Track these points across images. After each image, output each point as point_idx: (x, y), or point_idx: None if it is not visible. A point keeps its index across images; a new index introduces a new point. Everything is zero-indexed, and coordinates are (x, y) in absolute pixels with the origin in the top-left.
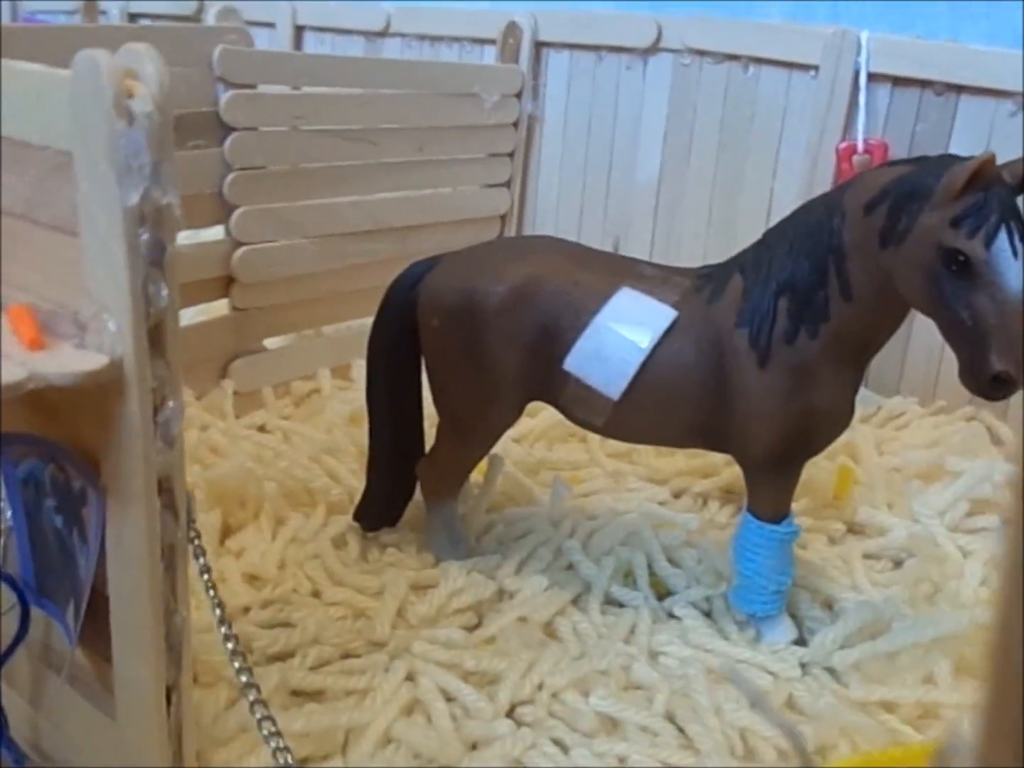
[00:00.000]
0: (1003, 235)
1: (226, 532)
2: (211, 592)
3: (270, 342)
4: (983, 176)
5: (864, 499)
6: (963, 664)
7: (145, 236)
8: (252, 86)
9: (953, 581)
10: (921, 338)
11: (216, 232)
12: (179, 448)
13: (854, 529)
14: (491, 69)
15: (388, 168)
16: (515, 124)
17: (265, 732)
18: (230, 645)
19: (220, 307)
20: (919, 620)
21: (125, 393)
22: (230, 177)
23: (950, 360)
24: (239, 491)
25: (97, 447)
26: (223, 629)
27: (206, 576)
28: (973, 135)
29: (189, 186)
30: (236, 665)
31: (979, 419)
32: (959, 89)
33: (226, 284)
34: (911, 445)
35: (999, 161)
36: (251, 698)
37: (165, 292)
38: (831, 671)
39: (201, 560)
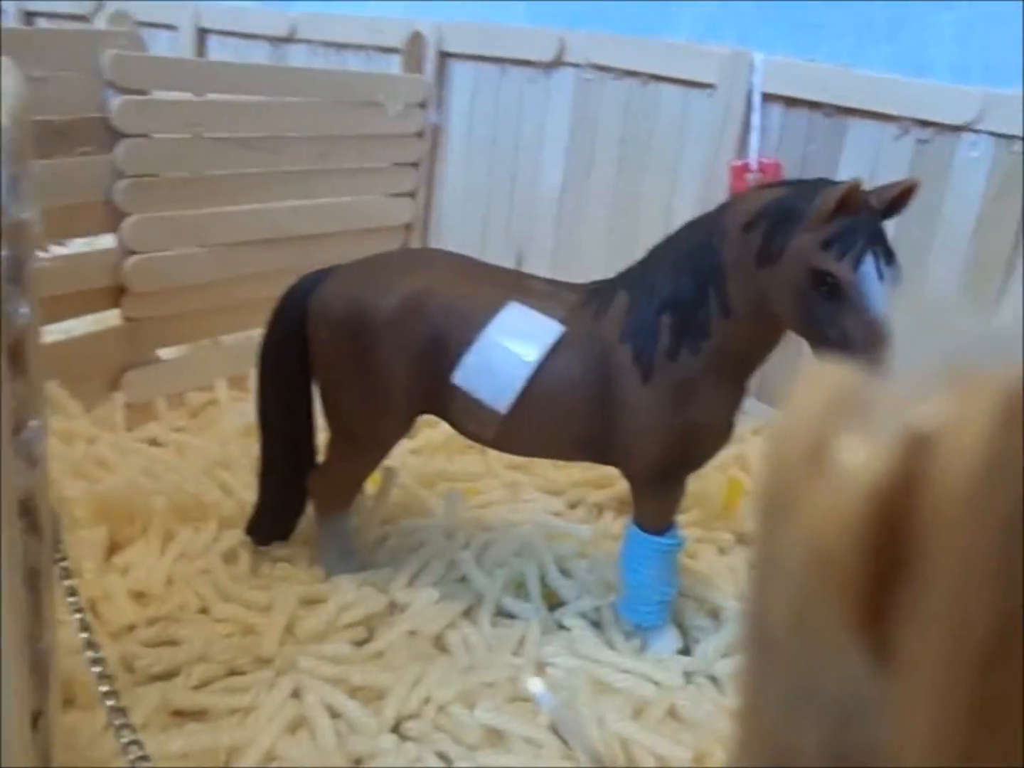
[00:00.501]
0: (869, 258)
1: (113, 548)
2: (79, 615)
3: (164, 352)
4: (851, 202)
5: (753, 510)
6: None
7: (3, 253)
8: (145, 92)
9: None
10: (808, 351)
11: (106, 241)
12: (42, 468)
13: (743, 539)
14: (395, 78)
15: (289, 177)
16: (419, 134)
17: (131, 757)
18: (97, 669)
19: (111, 317)
20: None
21: None
22: (121, 184)
23: None
24: (127, 506)
25: None
26: (89, 653)
27: (72, 598)
28: (861, 156)
29: (76, 193)
30: (104, 689)
31: None
32: (848, 112)
33: (117, 294)
34: None
35: (881, 182)
36: (117, 723)
37: (24, 310)
38: (714, 680)
39: (66, 583)
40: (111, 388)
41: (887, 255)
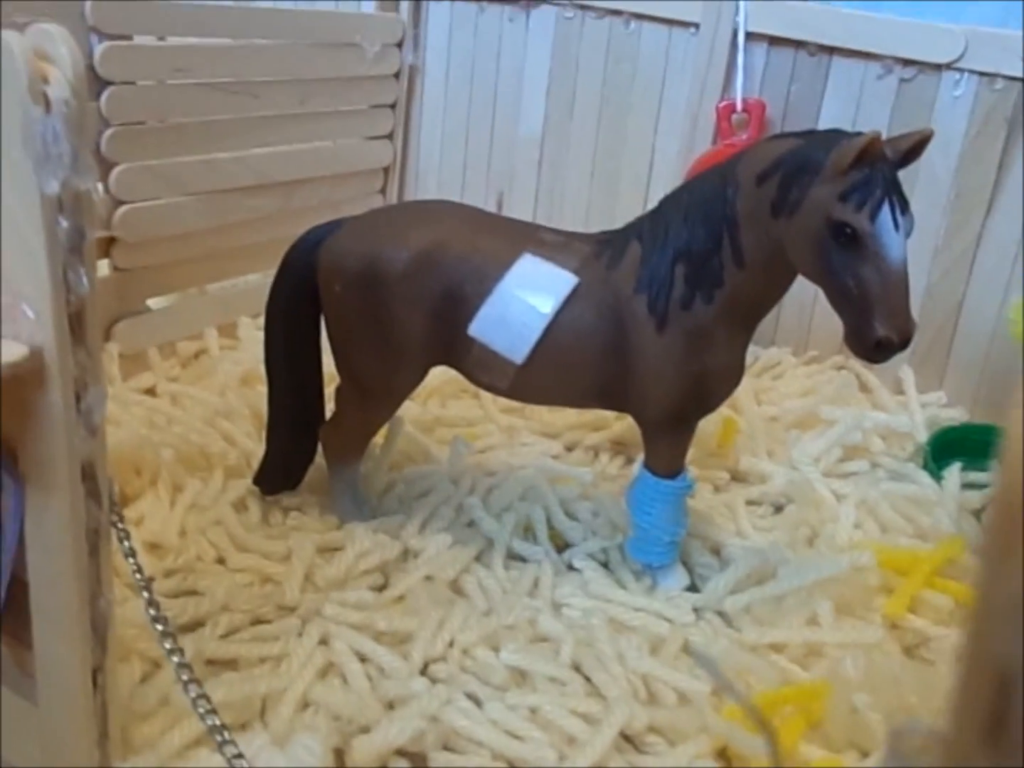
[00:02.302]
0: (886, 209)
1: (123, 501)
2: (139, 576)
3: (154, 302)
4: (869, 153)
5: (746, 448)
6: (842, 604)
7: (64, 224)
8: (128, 37)
9: (829, 524)
10: (794, 292)
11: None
12: (101, 435)
13: (737, 477)
14: (371, 18)
15: (269, 121)
16: (396, 75)
17: (192, 695)
18: (159, 627)
19: (100, 268)
20: (802, 564)
21: (46, 383)
22: (107, 133)
23: (821, 313)
24: (134, 459)
25: (15, 436)
26: (151, 611)
27: (132, 560)
28: (844, 95)
29: None
30: (167, 646)
31: (848, 368)
32: (831, 50)
33: (106, 244)
34: (787, 394)
35: (864, 121)
36: (184, 678)
37: (86, 279)
38: (723, 615)
39: (126, 543)
40: (104, 339)
41: (903, 205)
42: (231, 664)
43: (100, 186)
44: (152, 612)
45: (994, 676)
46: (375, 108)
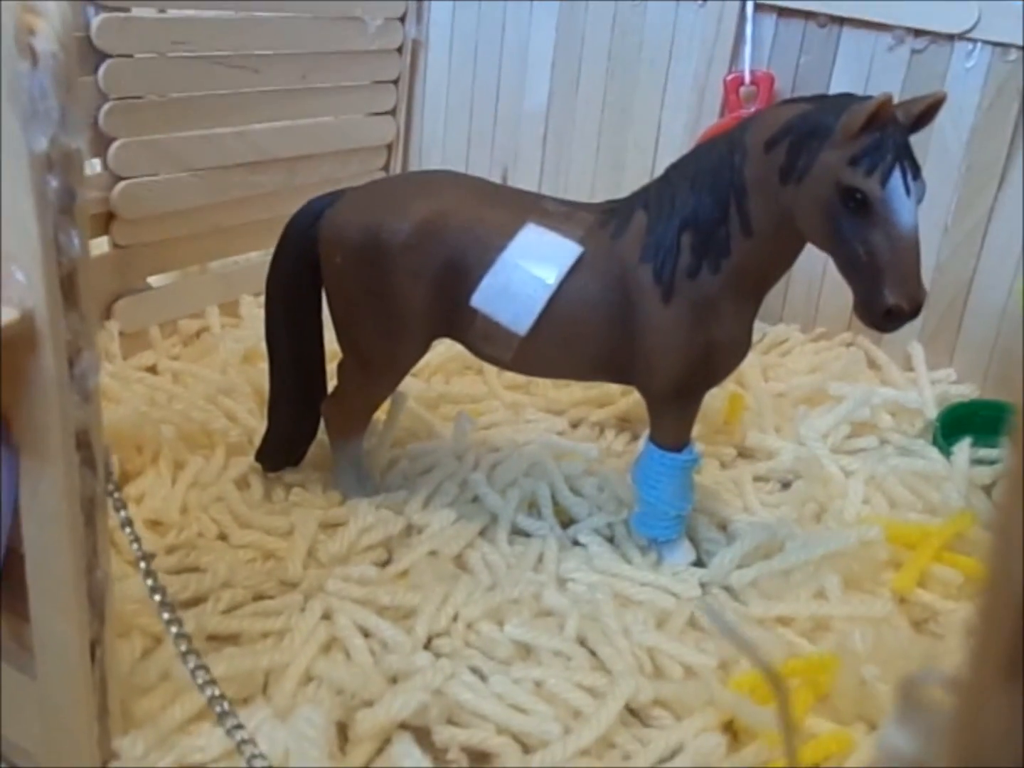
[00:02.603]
0: (897, 174)
1: (124, 479)
2: (136, 546)
3: (154, 280)
4: (880, 117)
5: (753, 424)
6: (850, 578)
7: (54, 183)
8: (125, 9)
9: (837, 500)
10: (802, 268)
11: (92, 166)
12: (96, 401)
13: (744, 453)
14: None
15: (270, 96)
16: (399, 50)
17: (200, 681)
18: (157, 598)
19: (100, 245)
20: (809, 539)
21: (38, 347)
22: (106, 107)
23: (830, 288)
24: (135, 436)
25: (8, 403)
26: (148, 582)
27: (128, 529)
28: (854, 67)
29: None
30: (166, 617)
31: (856, 344)
32: (841, 21)
33: (106, 220)
34: (795, 371)
35: (887, 93)
36: (183, 649)
37: (77, 240)
38: (729, 590)
39: (123, 513)
40: (104, 317)
41: (914, 170)
42: (233, 639)
43: (98, 161)
44: (150, 583)
45: (1016, 612)
46: (377, 84)
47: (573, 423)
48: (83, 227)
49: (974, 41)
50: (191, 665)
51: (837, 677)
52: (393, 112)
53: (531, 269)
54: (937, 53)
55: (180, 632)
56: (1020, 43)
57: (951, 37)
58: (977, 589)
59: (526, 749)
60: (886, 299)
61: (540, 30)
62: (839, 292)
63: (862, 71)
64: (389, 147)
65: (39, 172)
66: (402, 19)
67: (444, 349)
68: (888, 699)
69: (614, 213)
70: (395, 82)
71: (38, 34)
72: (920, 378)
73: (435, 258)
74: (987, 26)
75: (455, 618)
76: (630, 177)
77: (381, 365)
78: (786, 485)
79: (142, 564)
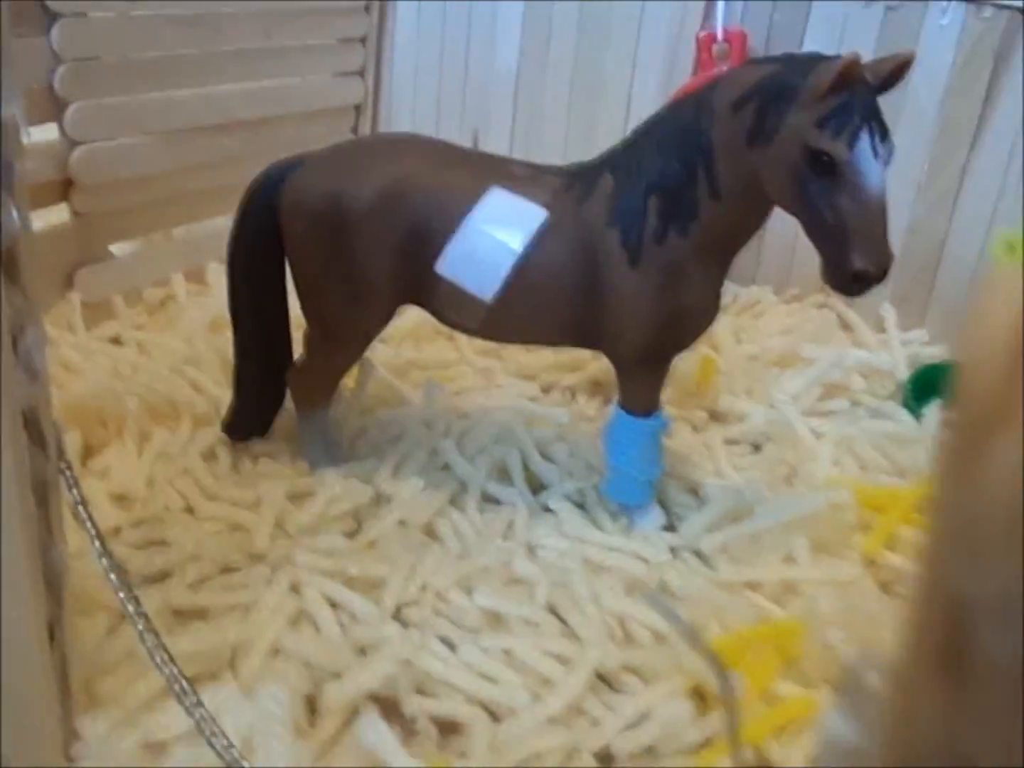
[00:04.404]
0: (864, 136)
1: (88, 453)
2: (89, 524)
3: (117, 248)
4: (848, 77)
5: (725, 387)
6: (819, 542)
7: None
8: None
9: (808, 463)
10: (775, 229)
11: (49, 130)
12: (44, 379)
13: (716, 416)
14: None
15: (233, 56)
16: (366, 7)
17: (158, 660)
18: (113, 577)
19: (59, 212)
20: (779, 502)
21: None
22: (60, 70)
23: (803, 250)
24: (98, 409)
25: None
26: (104, 561)
27: (81, 508)
28: (827, 25)
29: None
30: (122, 596)
31: (829, 306)
32: None
33: (64, 187)
34: (767, 333)
35: (854, 53)
36: (140, 627)
37: (16, 215)
38: (699, 554)
39: (75, 492)
40: (65, 287)
41: (882, 132)
42: (200, 614)
43: (55, 126)
44: (105, 562)
45: (948, 603)
46: (344, 42)
47: (544, 388)
48: (22, 200)
49: None
50: (148, 644)
51: (804, 641)
52: (361, 73)
53: (496, 234)
54: (911, 10)
55: (138, 611)
56: (995, 0)
57: None
58: (911, 583)
59: (495, 718)
60: (853, 263)
61: None
62: (813, 254)
63: (836, 29)
64: (357, 108)
65: None
66: None
67: (415, 314)
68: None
69: (580, 176)
70: (363, 41)
71: None
72: (891, 340)
73: (398, 224)
74: None
75: (424, 588)
76: (602, 137)
77: (345, 334)
78: (757, 448)
79: (96, 544)
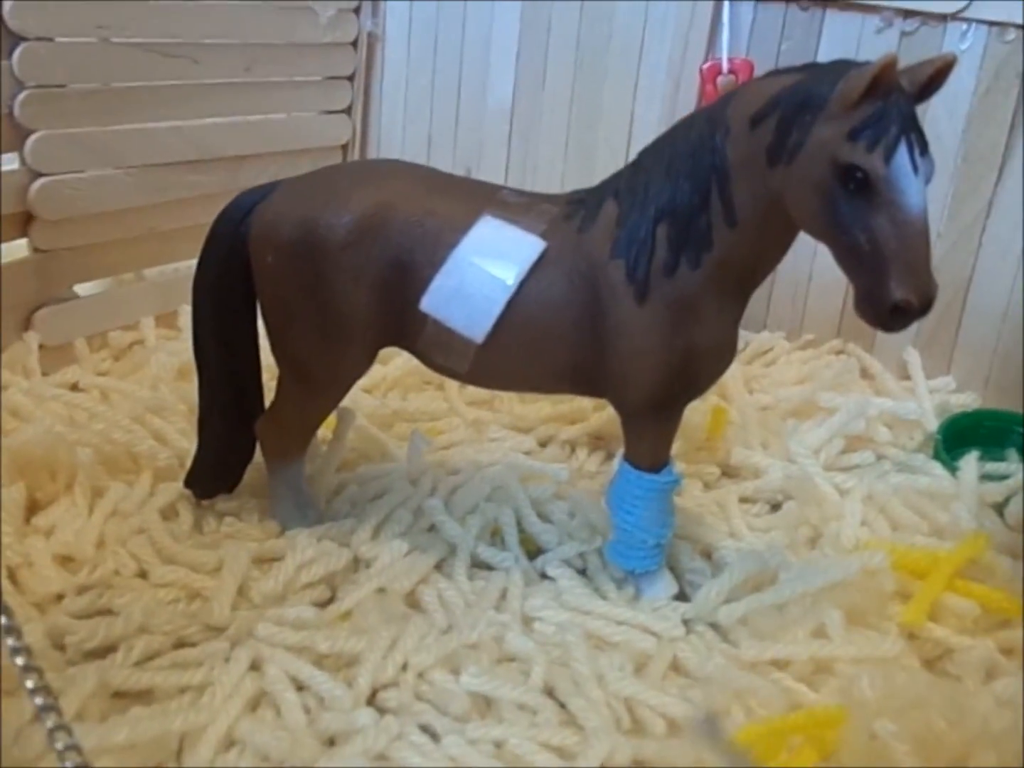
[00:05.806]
0: (903, 149)
1: (33, 508)
2: None
3: (82, 288)
4: (883, 83)
5: (738, 440)
6: (853, 613)
7: None
8: None
9: (833, 522)
10: (787, 270)
11: (9, 160)
12: None
13: (729, 472)
14: None
15: (212, 90)
16: (354, 43)
17: (60, 746)
18: (20, 660)
19: (18, 248)
20: (806, 568)
21: None
22: (22, 96)
23: (817, 292)
24: (47, 460)
25: None
26: (11, 641)
27: None
28: (839, 53)
29: None
30: (30, 685)
31: (847, 352)
32: (825, 3)
33: (24, 221)
34: (781, 382)
35: (891, 54)
36: (50, 725)
37: None
38: (716, 627)
39: None
40: (23, 328)
41: (922, 144)
42: (145, 696)
43: (15, 156)
44: (11, 642)
45: None
46: (331, 80)
47: (541, 442)
48: None
49: (968, 21)
50: (59, 746)
51: (845, 731)
52: (348, 110)
53: (488, 268)
54: (929, 35)
55: (47, 704)
56: (1019, 21)
57: (944, 17)
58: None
59: None
60: (892, 293)
61: (503, 21)
62: (828, 295)
63: (848, 56)
64: (344, 147)
65: None
66: (356, 11)
67: (403, 361)
68: (905, 757)
69: (581, 204)
70: (350, 78)
71: None
72: (918, 387)
73: (379, 256)
74: (982, 4)
75: (404, 667)
76: (601, 176)
77: (320, 379)
78: (776, 507)
79: (2, 619)
